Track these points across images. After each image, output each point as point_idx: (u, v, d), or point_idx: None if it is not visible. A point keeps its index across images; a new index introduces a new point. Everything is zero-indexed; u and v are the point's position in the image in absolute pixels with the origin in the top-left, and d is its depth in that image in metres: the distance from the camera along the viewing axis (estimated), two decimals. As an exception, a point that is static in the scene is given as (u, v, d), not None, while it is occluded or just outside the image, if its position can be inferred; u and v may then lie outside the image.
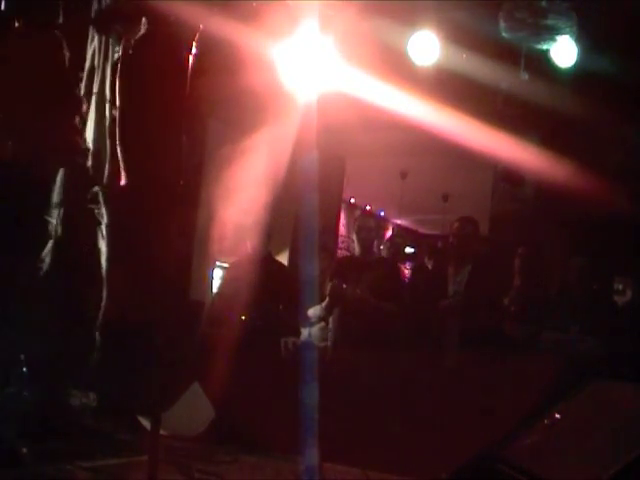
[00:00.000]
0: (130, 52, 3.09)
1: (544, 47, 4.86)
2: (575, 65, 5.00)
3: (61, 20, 2.89)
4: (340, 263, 5.82)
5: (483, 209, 6.49)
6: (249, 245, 4.26)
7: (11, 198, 2.74)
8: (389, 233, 10.54)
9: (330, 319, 4.83)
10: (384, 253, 6.22)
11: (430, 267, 7.04)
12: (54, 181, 3.16)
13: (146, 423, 3.13)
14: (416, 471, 3.64)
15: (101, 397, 3.84)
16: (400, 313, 4.90)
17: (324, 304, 4.82)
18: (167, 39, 2.45)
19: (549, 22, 4.64)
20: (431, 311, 4.74)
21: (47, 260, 3.18)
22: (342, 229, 9.76)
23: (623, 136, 5.48)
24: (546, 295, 5.17)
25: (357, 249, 5.19)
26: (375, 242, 5.53)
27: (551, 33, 4.71)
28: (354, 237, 5.35)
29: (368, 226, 5.22)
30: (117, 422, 3.52)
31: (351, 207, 10.37)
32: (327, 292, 4.78)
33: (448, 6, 5.01)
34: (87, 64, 3.36)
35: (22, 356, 3.85)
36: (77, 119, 2.98)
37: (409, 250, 9.56)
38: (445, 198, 9.32)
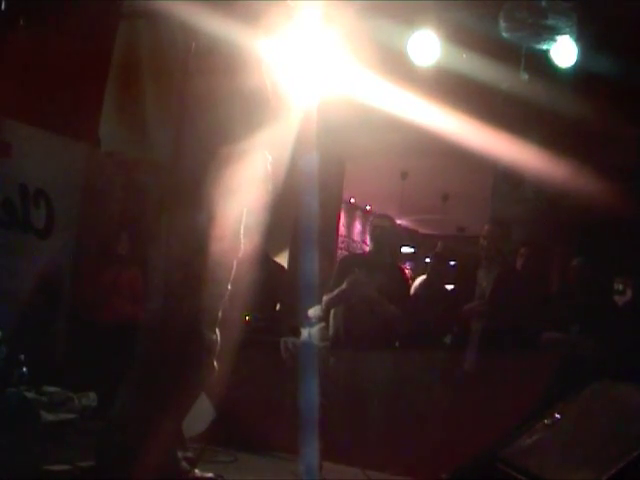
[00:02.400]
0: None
1: (544, 47, 4.86)
2: (575, 65, 5.00)
3: None
4: (349, 259, 5.83)
5: (483, 209, 6.49)
6: (248, 245, 4.26)
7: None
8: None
9: (331, 317, 4.83)
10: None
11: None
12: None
13: None
14: (416, 471, 3.65)
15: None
16: (404, 317, 4.90)
17: (330, 295, 4.82)
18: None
19: (549, 22, 4.64)
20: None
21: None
22: (342, 229, 9.76)
23: (623, 136, 5.48)
24: (547, 295, 5.17)
25: (370, 247, 5.21)
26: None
27: (551, 33, 4.70)
28: (368, 236, 5.36)
29: (382, 225, 5.22)
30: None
31: (351, 207, 10.37)
32: (344, 284, 4.78)
33: (448, 6, 5.01)
34: None
35: (22, 356, 3.86)
36: None
37: (409, 250, 9.58)
38: (445, 198, 9.32)
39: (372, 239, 5.18)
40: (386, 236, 5.14)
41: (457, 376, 4.43)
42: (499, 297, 4.60)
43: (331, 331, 4.84)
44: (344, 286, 4.78)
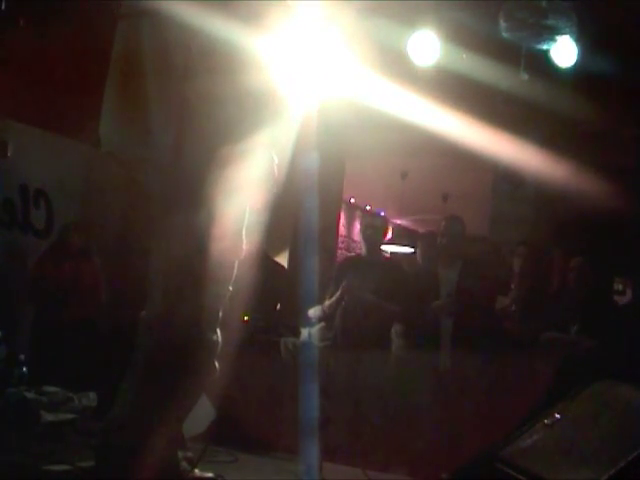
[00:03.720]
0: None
1: (544, 47, 4.86)
2: (575, 65, 5.00)
3: None
4: (346, 262, 5.82)
5: (483, 209, 6.49)
6: (248, 245, 4.26)
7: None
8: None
9: (336, 317, 4.83)
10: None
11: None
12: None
13: None
14: (416, 471, 3.65)
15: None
16: (403, 314, 4.89)
17: (329, 302, 4.82)
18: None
19: (549, 22, 4.64)
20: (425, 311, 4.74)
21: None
22: (342, 229, 9.75)
23: (623, 136, 5.48)
24: (546, 295, 5.17)
25: (363, 248, 5.18)
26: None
27: (551, 33, 4.70)
28: (360, 236, 5.32)
29: (374, 225, 5.20)
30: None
31: (351, 207, 10.37)
32: (339, 292, 4.78)
33: (448, 6, 5.01)
34: None
35: (22, 356, 3.86)
36: None
37: (409, 250, 9.57)
38: (445, 198, 9.30)
39: (364, 240, 5.16)
40: (378, 236, 5.15)
41: (456, 376, 4.43)
42: (466, 293, 4.61)
43: (334, 331, 4.84)
44: (338, 293, 4.79)
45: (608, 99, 5.11)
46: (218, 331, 2.48)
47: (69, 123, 5.42)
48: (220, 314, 2.48)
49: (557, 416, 2.74)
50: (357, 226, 10.80)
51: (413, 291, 4.94)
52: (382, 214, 10.14)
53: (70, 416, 3.60)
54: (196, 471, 2.57)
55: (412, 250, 9.59)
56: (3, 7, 4.27)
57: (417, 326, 4.71)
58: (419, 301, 4.77)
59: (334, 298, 4.81)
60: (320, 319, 4.84)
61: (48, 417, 3.51)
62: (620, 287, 5.64)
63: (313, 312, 4.79)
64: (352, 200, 10.13)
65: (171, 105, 2.41)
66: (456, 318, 4.55)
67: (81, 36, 5.24)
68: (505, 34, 4.72)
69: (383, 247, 6.59)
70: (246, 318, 4.44)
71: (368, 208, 10.42)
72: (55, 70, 5.31)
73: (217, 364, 2.51)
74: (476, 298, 4.58)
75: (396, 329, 5.11)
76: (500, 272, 5.16)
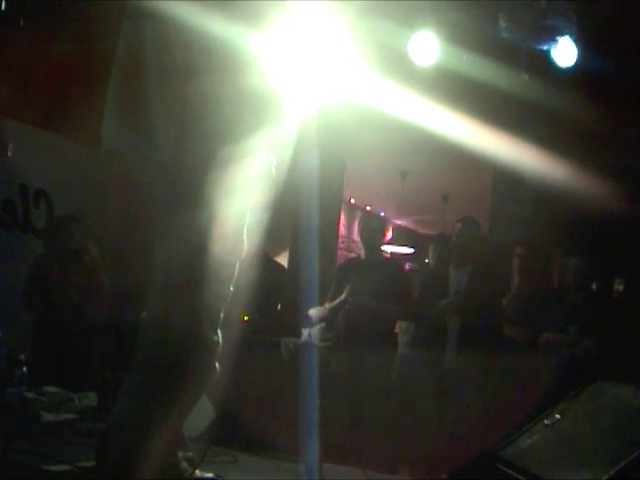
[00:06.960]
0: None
1: (544, 47, 4.86)
2: (575, 65, 5.00)
3: None
4: (346, 264, 5.82)
5: (483, 209, 6.49)
6: (248, 245, 4.25)
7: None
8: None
9: (338, 319, 4.83)
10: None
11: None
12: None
13: None
14: (416, 471, 3.65)
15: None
16: (404, 315, 4.90)
17: (331, 305, 4.82)
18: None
19: (549, 22, 4.64)
20: (432, 311, 4.75)
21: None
22: (342, 229, 9.76)
23: (623, 136, 5.48)
24: (545, 295, 5.17)
25: (362, 250, 5.18)
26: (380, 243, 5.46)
27: (551, 34, 4.71)
28: (358, 238, 5.32)
29: (371, 226, 5.20)
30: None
31: (351, 207, 10.37)
32: (343, 295, 4.79)
33: (448, 6, 5.01)
34: None
35: (22, 356, 3.86)
36: None
37: (409, 250, 9.58)
38: (445, 198, 9.31)
39: (362, 242, 5.16)
40: (376, 237, 5.15)
41: (457, 376, 4.43)
42: (475, 292, 4.62)
43: (335, 332, 4.84)
44: (343, 297, 4.79)
45: (608, 99, 5.11)
46: (219, 331, 2.48)
47: (70, 123, 5.42)
48: (221, 314, 2.48)
49: (557, 416, 2.74)
50: (357, 226, 10.80)
51: (421, 290, 4.96)
52: (382, 214, 10.14)
53: (70, 416, 3.60)
54: (196, 471, 2.57)
55: (412, 250, 9.62)
56: (3, 7, 4.27)
57: (424, 324, 4.72)
58: (427, 300, 4.79)
59: (337, 301, 4.81)
60: (321, 319, 4.84)
61: (48, 417, 3.50)
62: (620, 287, 5.64)
63: (313, 312, 4.80)
64: (352, 200, 10.13)
65: (173, 105, 2.41)
66: (463, 317, 4.56)
67: (83, 36, 5.24)
68: (505, 34, 4.72)
69: (383, 248, 6.60)
70: (246, 318, 4.44)
71: (368, 208, 10.42)
72: (56, 70, 5.31)
73: (217, 365, 2.51)
74: (484, 298, 4.60)
75: (401, 326, 5.12)
76: (505, 273, 5.19)
